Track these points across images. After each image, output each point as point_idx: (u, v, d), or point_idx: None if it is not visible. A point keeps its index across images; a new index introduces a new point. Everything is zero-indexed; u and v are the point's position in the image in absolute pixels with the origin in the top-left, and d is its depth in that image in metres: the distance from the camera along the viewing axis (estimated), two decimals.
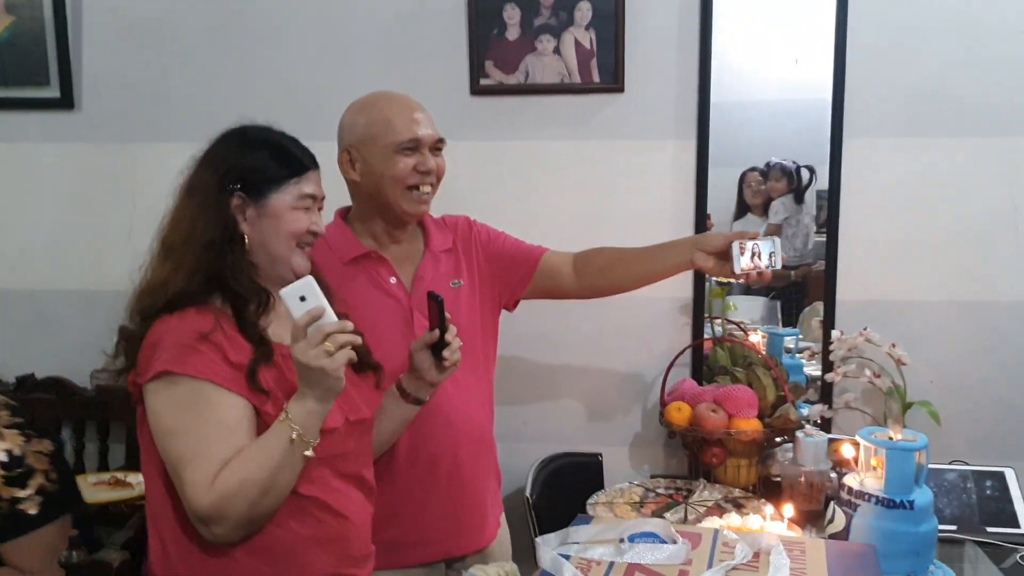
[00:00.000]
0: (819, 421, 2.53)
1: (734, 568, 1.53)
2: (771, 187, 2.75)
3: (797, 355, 2.80)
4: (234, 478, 1.47)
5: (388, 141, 1.91)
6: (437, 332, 1.80)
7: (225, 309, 1.61)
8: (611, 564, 1.55)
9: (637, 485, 2.37)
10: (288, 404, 1.52)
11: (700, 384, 2.58)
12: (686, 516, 2.17)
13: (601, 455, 2.57)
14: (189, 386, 1.51)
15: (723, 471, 2.41)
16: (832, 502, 1.99)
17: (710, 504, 2.23)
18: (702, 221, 2.61)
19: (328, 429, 1.59)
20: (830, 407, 2.54)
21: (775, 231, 2.75)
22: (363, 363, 1.77)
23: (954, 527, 2.19)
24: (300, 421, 1.50)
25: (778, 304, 2.85)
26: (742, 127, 2.66)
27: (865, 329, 2.46)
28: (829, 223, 2.58)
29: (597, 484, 2.46)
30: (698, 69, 2.57)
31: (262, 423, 1.55)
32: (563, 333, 2.69)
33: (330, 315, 1.51)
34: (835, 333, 2.50)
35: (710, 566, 1.53)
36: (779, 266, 1.91)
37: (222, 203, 1.62)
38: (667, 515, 2.17)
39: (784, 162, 2.73)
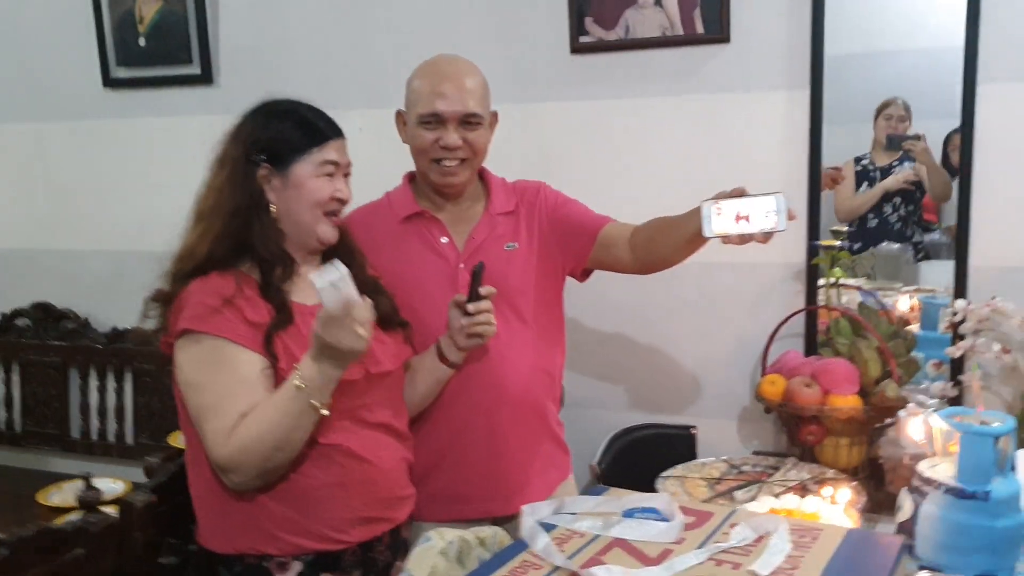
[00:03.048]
0: (942, 400, 2.28)
1: (723, 551, 1.41)
2: None
3: None
4: (250, 433, 1.57)
5: (415, 112, 1.93)
6: (465, 297, 1.83)
7: (251, 272, 1.70)
8: (595, 537, 1.47)
9: (723, 461, 2.24)
10: (300, 367, 1.58)
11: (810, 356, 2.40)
12: (757, 496, 2.03)
13: (694, 428, 2.44)
14: (210, 343, 1.62)
15: (821, 450, 2.23)
16: (904, 489, 1.79)
17: (793, 484, 2.07)
18: (816, 177, 2.40)
19: (346, 381, 1.65)
20: (955, 385, 2.27)
21: None
22: (391, 320, 1.85)
23: None
24: (316, 387, 1.57)
25: None
26: (858, 78, 2.42)
27: (993, 298, 2.18)
28: (962, 180, 2.29)
29: (689, 457, 2.34)
30: (811, 14, 2.35)
31: (279, 377, 1.64)
32: (669, 300, 2.57)
33: (359, 300, 1.55)
34: (959, 303, 2.23)
35: (703, 547, 1.43)
36: (782, 227, 1.68)
37: (249, 174, 1.71)
38: (738, 494, 2.04)
39: None
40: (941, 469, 1.72)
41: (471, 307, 1.81)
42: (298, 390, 1.56)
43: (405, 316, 1.90)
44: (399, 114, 2.00)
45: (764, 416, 2.48)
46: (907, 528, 1.73)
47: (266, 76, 2.91)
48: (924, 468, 1.74)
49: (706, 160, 2.51)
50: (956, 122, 2.29)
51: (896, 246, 2.67)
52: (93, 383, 3.22)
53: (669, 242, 1.88)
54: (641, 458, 2.30)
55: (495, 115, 2.00)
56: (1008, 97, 2.25)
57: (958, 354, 2.20)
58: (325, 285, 1.51)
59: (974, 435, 1.67)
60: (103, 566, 1.59)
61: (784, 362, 2.34)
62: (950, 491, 1.68)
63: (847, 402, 2.15)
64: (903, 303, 2.54)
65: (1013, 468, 1.70)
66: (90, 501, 1.66)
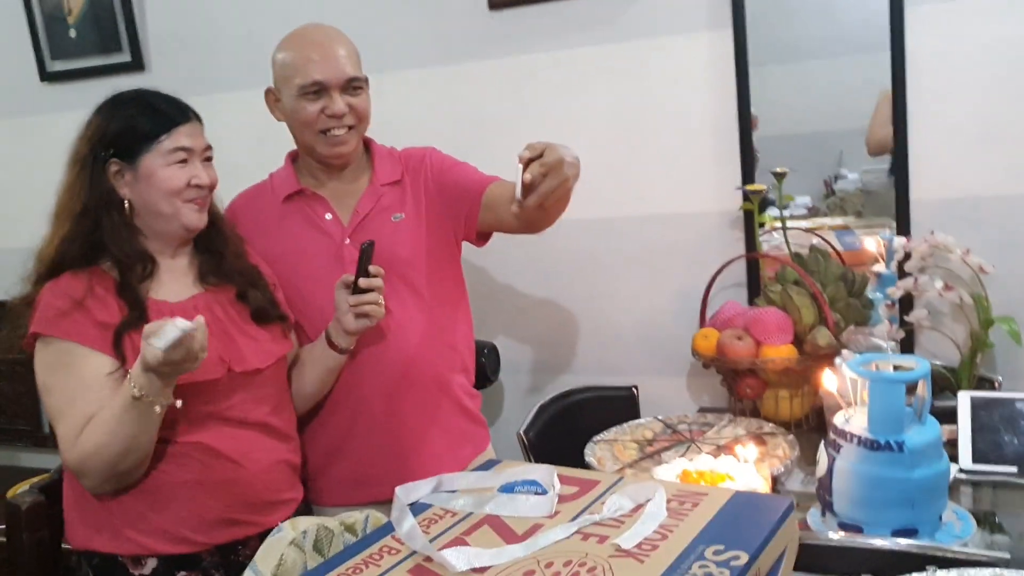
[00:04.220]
0: (896, 343, 2.17)
1: (595, 524, 1.34)
2: None
3: None
4: (93, 440, 1.53)
5: (293, 84, 1.84)
6: (352, 276, 1.76)
7: (111, 272, 1.66)
8: (466, 516, 1.41)
9: (659, 420, 2.16)
10: (133, 376, 1.50)
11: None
12: (686, 456, 1.94)
13: (636, 387, 2.36)
14: (57, 346, 1.59)
15: (762, 403, 2.14)
16: (822, 442, 1.70)
17: (726, 441, 1.98)
18: (746, 119, 2.28)
19: (207, 381, 1.62)
20: (900, 327, 2.16)
21: None
22: (267, 315, 1.78)
23: (1014, 468, 1.79)
24: (152, 392, 1.50)
25: None
26: (784, 15, 2.29)
27: (932, 233, 2.07)
28: (896, 109, 2.16)
29: (632, 419, 2.25)
30: None
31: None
32: (609, 257, 2.49)
33: (193, 326, 1.45)
34: (898, 240, 2.12)
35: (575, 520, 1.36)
36: (518, 195, 1.60)
37: (97, 171, 1.66)
38: (665, 454, 1.96)
39: None
40: (855, 421, 1.63)
41: (362, 282, 1.74)
42: (134, 398, 1.49)
43: (291, 297, 1.85)
44: (269, 92, 1.92)
45: (711, 372, 2.39)
46: (825, 484, 1.65)
47: (197, 59, 2.86)
48: (839, 420, 1.65)
49: (634, 110, 2.41)
50: (887, 53, 2.16)
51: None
52: None
53: None
54: (578, 423, 2.21)
55: (367, 79, 1.92)
56: (937, 19, 2.11)
57: (899, 294, 2.09)
58: (167, 346, 1.42)
59: (883, 383, 1.58)
60: None
61: (720, 314, 2.25)
62: (862, 443, 1.59)
63: (779, 352, 2.05)
64: (870, 242, 2.42)
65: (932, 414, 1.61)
66: None
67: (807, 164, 2.40)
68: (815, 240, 2.39)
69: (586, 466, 1.95)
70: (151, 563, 1.64)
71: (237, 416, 1.67)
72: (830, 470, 1.63)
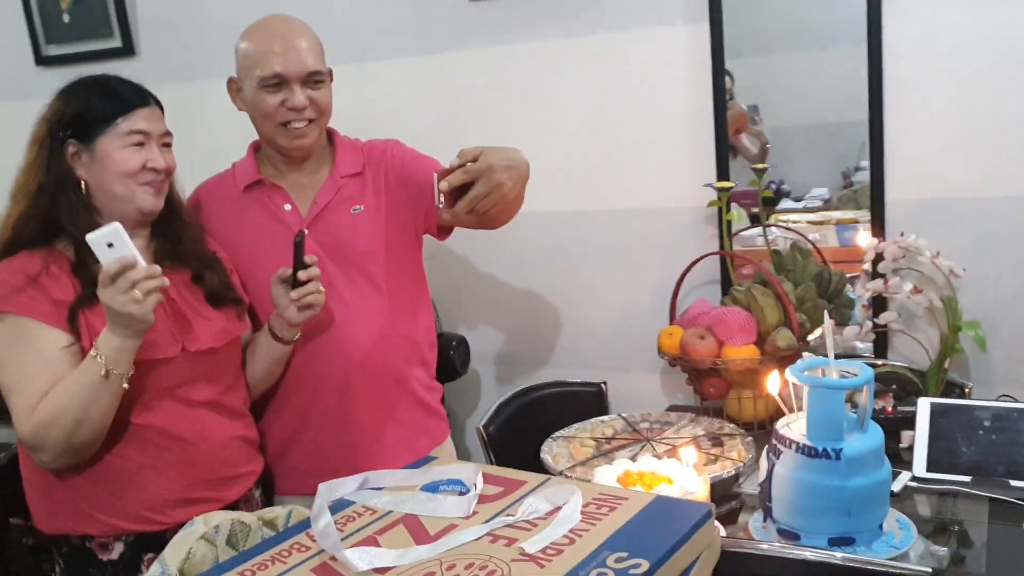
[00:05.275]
0: (860, 345, 2.13)
1: (508, 526, 1.33)
2: None
3: None
4: (49, 409, 1.56)
5: (253, 76, 1.84)
6: (290, 271, 1.76)
7: (66, 250, 1.67)
8: (385, 514, 1.41)
9: (621, 418, 2.14)
10: (98, 339, 1.56)
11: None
12: (635, 457, 1.92)
13: (604, 384, 2.33)
14: (11, 322, 1.61)
15: (727, 403, 2.11)
16: (765, 448, 1.67)
17: (683, 441, 1.96)
18: (721, 113, 2.24)
19: (161, 359, 1.65)
20: (873, 329, 2.11)
21: None
22: (222, 297, 1.80)
23: (968, 478, 1.75)
24: (110, 357, 1.55)
25: None
26: (762, 8, 2.24)
27: (901, 235, 2.02)
28: (872, 108, 2.11)
29: (600, 415, 2.23)
30: None
31: (84, 354, 1.60)
32: (586, 251, 2.46)
33: (140, 262, 1.52)
34: (870, 241, 2.07)
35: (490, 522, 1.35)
36: (438, 204, 1.65)
37: (55, 152, 1.68)
38: (619, 453, 1.94)
39: None
40: (795, 426, 1.60)
41: (301, 274, 1.74)
42: (92, 359, 1.53)
43: (249, 287, 1.86)
44: (231, 81, 1.92)
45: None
46: (765, 490, 1.62)
47: (186, 44, 2.87)
48: (780, 425, 1.63)
49: (612, 101, 2.37)
50: (864, 48, 2.10)
51: None
52: None
53: None
54: (542, 419, 2.19)
55: (331, 72, 1.91)
56: (915, 14, 2.05)
57: (867, 296, 2.05)
58: (96, 242, 1.48)
59: (821, 389, 1.55)
60: None
61: (688, 312, 2.21)
62: (800, 449, 1.56)
63: (741, 353, 2.02)
64: (863, 238, 2.35)
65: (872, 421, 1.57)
66: None
67: (827, 154, 2.35)
68: (813, 236, 2.36)
69: (542, 462, 1.94)
70: (118, 548, 1.67)
71: (190, 396, 1.69)
72: (769, 476, 1.61)
